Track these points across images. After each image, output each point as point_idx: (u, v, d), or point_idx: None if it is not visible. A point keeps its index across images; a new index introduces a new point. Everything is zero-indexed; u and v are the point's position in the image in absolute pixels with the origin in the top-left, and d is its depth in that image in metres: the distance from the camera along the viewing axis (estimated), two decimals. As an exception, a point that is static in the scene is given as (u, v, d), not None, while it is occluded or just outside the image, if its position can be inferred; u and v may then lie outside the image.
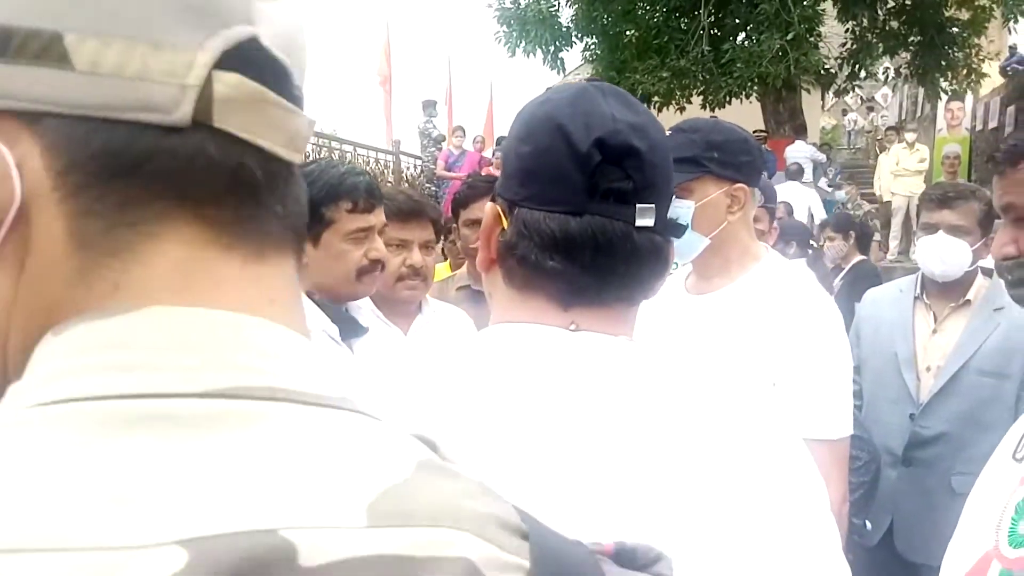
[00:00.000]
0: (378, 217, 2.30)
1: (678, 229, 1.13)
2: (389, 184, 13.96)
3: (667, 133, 2.16)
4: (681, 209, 2.05)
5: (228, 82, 0.50)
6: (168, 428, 0.45)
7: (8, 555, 0.40)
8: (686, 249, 2.11)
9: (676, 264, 2.54)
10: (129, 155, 0.49)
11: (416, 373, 1.12)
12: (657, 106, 14.97)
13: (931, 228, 2.88)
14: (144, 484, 0.43)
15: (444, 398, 1.02)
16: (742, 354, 1.99)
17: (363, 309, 2.47)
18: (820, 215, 11.65)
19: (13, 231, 0.49)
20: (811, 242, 6.87)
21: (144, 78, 0.48)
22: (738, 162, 2.12)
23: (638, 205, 1.04)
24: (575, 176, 1.03)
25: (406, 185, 14.68)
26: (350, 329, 2.33)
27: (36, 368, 0.48)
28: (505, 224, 1.09)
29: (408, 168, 15.54)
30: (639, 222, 1.04)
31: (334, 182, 2.23)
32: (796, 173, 12.92)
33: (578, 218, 1.03)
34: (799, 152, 13.49)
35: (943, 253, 2.85)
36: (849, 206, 11.00)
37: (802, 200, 11.69)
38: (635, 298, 1.10)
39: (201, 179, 0.50)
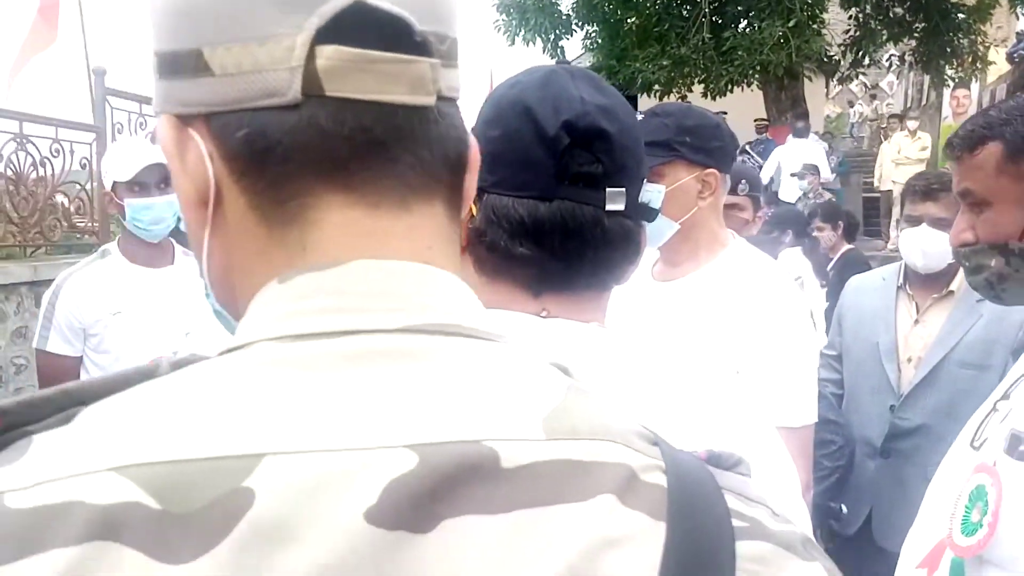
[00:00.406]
0: None
1: (650, 213, 1.12)
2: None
3: (640, 117, 2.17)
4: (652, 193, 2.01)
5: (326, 54, 0.56)
6: (381, 358, 0.56)
7: (288, 455, 0.51)
8: (656, 234, 2.08)
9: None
10: (265, 138, 0.58)
11: None
12: (658, 95, 14.92)
13: (915, 220, 2.85)
14: (371, 400, 0.54)
15: None
16: (706, 341, 1.97)
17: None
18: (826, 174, 12.62)
19: (217, 207, 0.61)
20: (808, 230, 6.87)
21: (260, 70, 0.57)
22: (710, 147, 2.11)
23: (608, 189, 1.03)
24: (544, 160, 1.02)
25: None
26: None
27: (265, 308, 0.59)
28: (474, 211, 1.07)
29: (409, 157, 15.48)
30: (609, 206, 1.03)
31: None
32: (802, 131, 13.49)
33: (547, 203, 1.02)
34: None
35: (925, 246, 2.81)
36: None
37: (810, 156, 12.58)
38: (606, 283, 1.09)
39: (324, 147, 0.58)
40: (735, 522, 0.57)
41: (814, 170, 11.65)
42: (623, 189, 1.04)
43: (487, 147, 1.05)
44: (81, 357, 3.04)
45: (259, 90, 0.57)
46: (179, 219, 3.24)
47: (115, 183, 3.04)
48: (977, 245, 1.53)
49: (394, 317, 0.57)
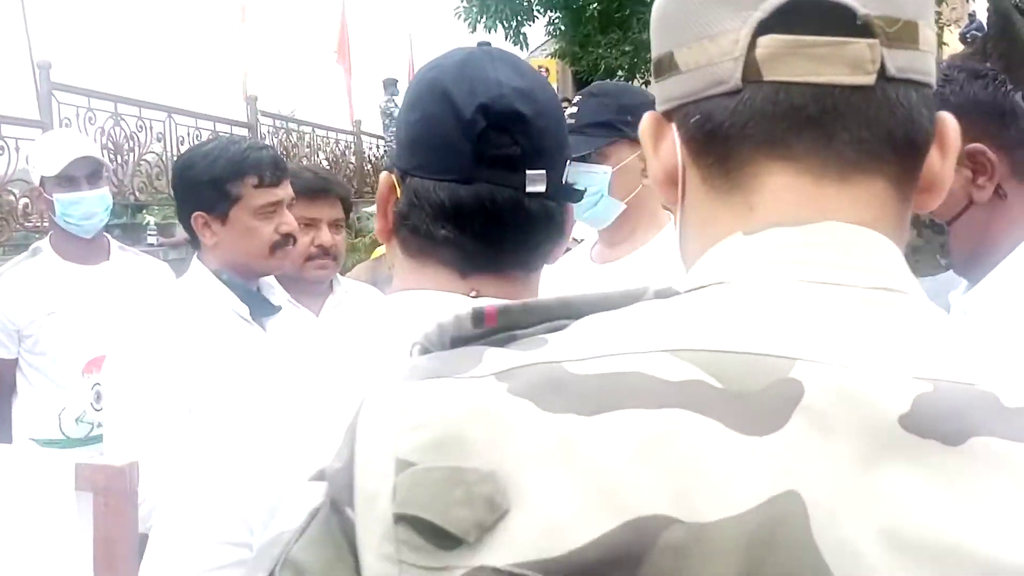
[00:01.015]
0: (286, 190, 2.28)
1: (575, 194, 1.12)
2: (351, 165, 13.88)
3: (578, 98, 2.15)
4: (598, 175, 2.07)
5: (764, 43, 0.63)
6: (863, 304, 0.60)
7: (818, 364, 0.55)
8: (603, 214, 2.11)
9: (578, 240, 2.50)
10: (712, 121, 0.65)
11: (320, 342, 1.12)
12: (622, 80, 14.93)
13: None
14: (867, 334, 0.58)
15: (347, 366, 1.01)
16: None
17: (275, 288, 2.42)
18: None
19: (682, 184, 0.70)
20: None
21: (711, 63, 0.65)
22: None
23: (528, 171, 1.03)
24: (462, 143, 1.02)
25: (369, 166, 14.58)
26: (261, 308, 2.30)
27: (733, 255, 0.64)
28: (399, 194, 1.08)
29: (370, 148, 15.42)
30: (530, 188, 1.03)
31: (238, 158, 2.21)
32: None
33: (467, 186, 1.02)
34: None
35: None
36: None
37: None
38: (533, 264, 1.10)
39: (761, 126, 0.64)
40: None
41: None
42: (543, 171, 1.04)
43: (407, 131, 1.09)
44: (16, 359, 2.97)
45: (709, 81, 0.65)
46: (111, 213, 3.18)
47: (43, 178, 2.97)
48: None
49: (864, 277, 0.62)
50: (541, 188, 1.04)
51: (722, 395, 0.54)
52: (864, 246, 0.63)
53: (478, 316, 0.61)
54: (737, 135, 0.65)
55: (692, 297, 0.63)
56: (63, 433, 2.90)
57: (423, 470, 0.54)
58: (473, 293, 1.04)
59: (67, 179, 2.95)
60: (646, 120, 0.72)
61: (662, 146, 0.71)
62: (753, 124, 0.64)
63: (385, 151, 15.36)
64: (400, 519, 0.53)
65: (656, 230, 2.13)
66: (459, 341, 0.61)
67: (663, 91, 0.70)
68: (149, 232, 7.93)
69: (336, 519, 0.57)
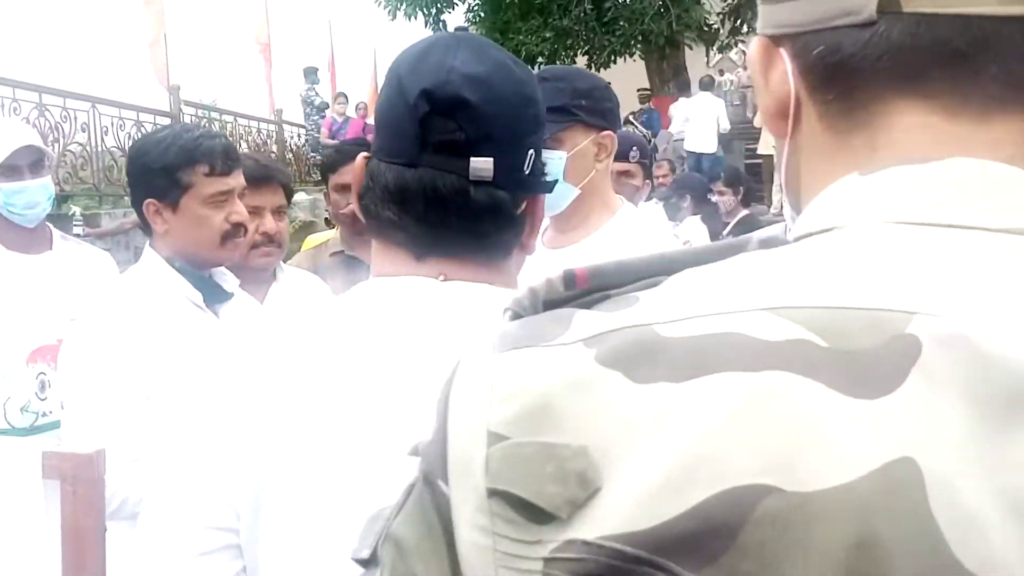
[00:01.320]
0: (237, 180, 2.26)
1: (536, 185, 1.12)
2: (273, 154, 13.73)
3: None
4: (553, 160, 2.03)
5: None
6: (988, 248, 0.55)
7: (938, 318, 0.51)
8: (558, 200, 2.09)
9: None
10: (837, 54, 0.60)
11: (300, 329, 1.12)
12: (543, 67, 14.95)
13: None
14: (993, 283, 0.53)
15: (326, 353, 1.03)
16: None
17: (227, 275, 2.42)
18: (725, 125, 13.65)
19: (794, 118, 0.65)
20: (708, 196, 6.99)
21: None
22: (603, 109, 2.13)
23: (472, 158, 1.03)
24: (408, 128, 1.04)
25: (291, 155, 14.45)
26: (214, 294, 2.30)
27: (848, 198, 0.60)
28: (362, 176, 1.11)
29: (292, 137, 15.27)
30: (474, 175, 1.04)
31: (189, 146, 2.19)
32: (708, 84, 14.29)
33: (412, 170, 1.04)
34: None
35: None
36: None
37: (711, 110, 13.44)
38: (489, 252, 1.10)
39: (896, 60, 0.59)
40: None
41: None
42: (490, 159, 1.04)
43: (376, 115, 1.12)
44: (-42, 352, 2.92)
45: (837, 10, 0.60)
46: (53, 203, 3.14)
47: (-17, 167, 2.92)
48: None
49: (1001, 217, 0.56)
50: (487, 175, 1.04)
51: (828, 355, 0.50)
52: (1002, 184, 0.58)
53: (569, 278, 0.59)
54: (868, 69, 0.59)
55: (799, 246, 0.59)
56: (8, 423, 2.86)
57: (514, 445, 0.52)
58: (441, 277, 1.05)
59: (10, 168, 2.90)
60: (755, 45, 0.68)
61: (773, 75, 0.66)
62: (888, 58, 0.59)
63: (306, 140, 15.24)
64: (493, 493, 0.52)
65: (609, 215, 2.15)
66: (551, 305, 0.59)
67: (774, 14, 0.65)
68: (75, 223, 7.75)
69: (428, 493, 0.57)
